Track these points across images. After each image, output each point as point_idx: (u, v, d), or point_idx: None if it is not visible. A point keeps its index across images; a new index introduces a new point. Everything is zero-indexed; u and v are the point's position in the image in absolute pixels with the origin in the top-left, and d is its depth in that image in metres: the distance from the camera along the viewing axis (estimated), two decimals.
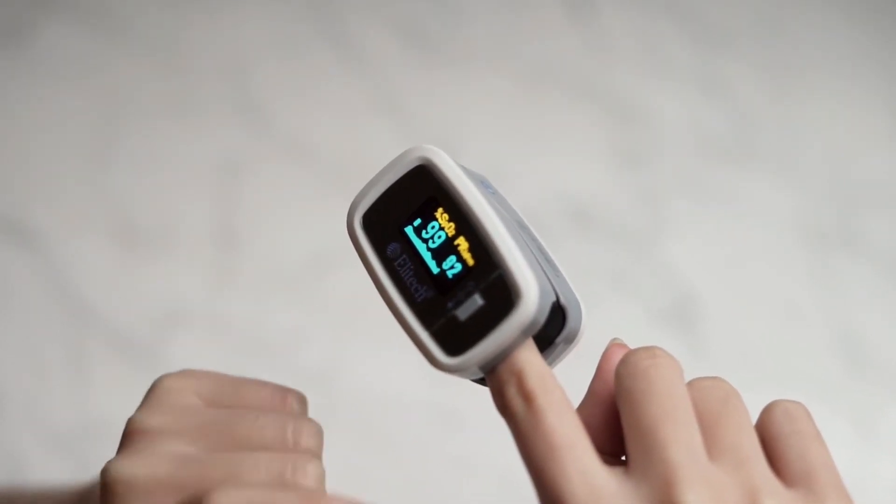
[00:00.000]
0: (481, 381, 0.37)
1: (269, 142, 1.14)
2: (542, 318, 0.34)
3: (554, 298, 0.35)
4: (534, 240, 0.39)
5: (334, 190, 1.09)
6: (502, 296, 0.34)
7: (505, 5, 1.24)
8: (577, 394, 0.36)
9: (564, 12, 1.24)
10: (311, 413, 1.05)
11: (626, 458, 0.33)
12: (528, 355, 0.34)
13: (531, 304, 0.33)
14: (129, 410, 1.01)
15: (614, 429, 0.35)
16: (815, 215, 1.14)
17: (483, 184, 0.39)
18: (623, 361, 0.34)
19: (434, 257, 0.36)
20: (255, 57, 1.19)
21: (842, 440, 1.01)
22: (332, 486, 1.03)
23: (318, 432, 0.43)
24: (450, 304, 0.35)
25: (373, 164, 0.39)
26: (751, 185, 1.16)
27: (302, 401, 0.46)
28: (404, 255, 0.36)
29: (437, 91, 1.19)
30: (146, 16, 1.19)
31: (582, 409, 0.36)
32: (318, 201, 1.09)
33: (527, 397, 0.32)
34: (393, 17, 1.22)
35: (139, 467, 0.39)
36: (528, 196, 1.12)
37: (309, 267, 1.08)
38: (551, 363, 0.37)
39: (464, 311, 0.34)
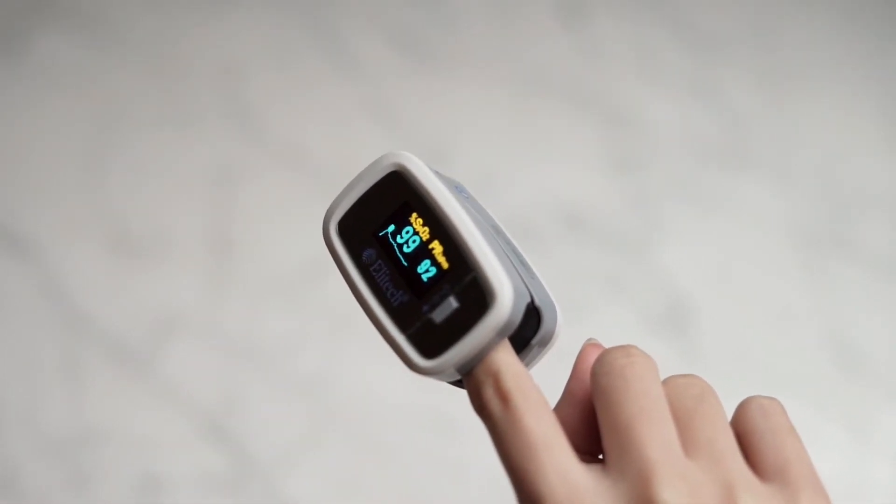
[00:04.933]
0: (458, 384, 0.37)
1: (264, 149, 1.15)
2: (517, 320, 0.34)
3: (529, 300, 0.35)
4: (508, 243, 0.39)
5: (328, 197, 1.09)
6: (477, 298, 0.34)
7: (498, 13, 1.25)
8: (554, 394, 0.36)
9: (557, 19, 1.24)
10: (306, 418, 1.06)
11: (603, 456, 0.33)
12: (504, 356, 0.34)
13: (506, 305, 0.33)
14: (124, 418, 1.02)
15: (591, 428, 0.35)
16: (807, 219, 1.15)
17: (457, 189, 0.39)
18: (599, 360, 0.34)
19: (409, 262, 0.36)
20: (250, 65, 1.19)
21: (835, 443, 1.01)
22: (328, 489, 1.03)
23: None
24: (425, 308, 0.35)
25: None
26: (744, 189, 1.16)
27: None
28: (380, 261, 0.37)
29: (431, 98, 1.19)
30: (141, 25, 1.20)
31: (559, 409, 0.36)
32: (312, 208, 1.09)
33: (503, 398, 0.33)
34: (387, 24, 1.22)
35: None
36: (522, 201, 1.12)
37: (304, 273, 1.08)
38: (528, 365, 0.37)
39: (439, 314, 0.35)
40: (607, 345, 0.37)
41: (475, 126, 1.18)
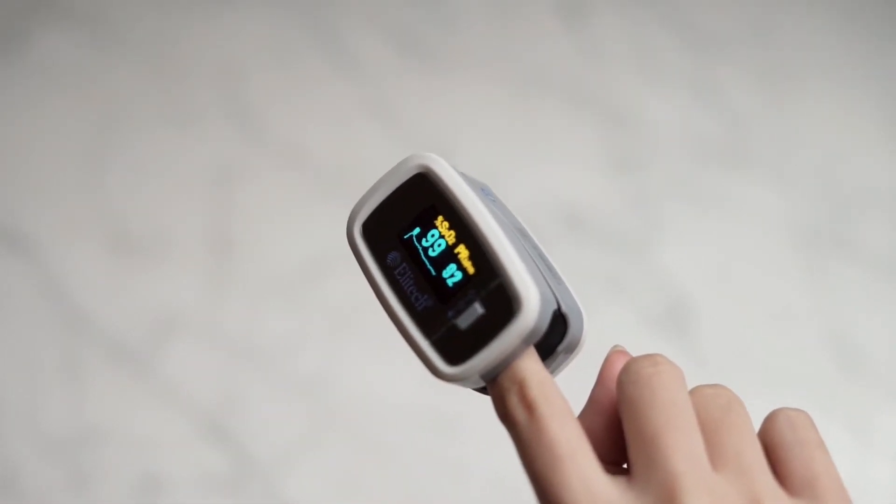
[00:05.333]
0: (482, 390, 0.37)
1: (264, 149, 1.14)
2: (544, 327, 0.34)
3: (555, 307, 0.35)
4: (535, 248, 0.39)
5: (329, 196, 1.09)
6: (503, 304, 0.34)
7: (498, 12, 1.24)
8: (578, 402, 0.36)
9: (557, 19, 1.24)
10: (306, 419, 1.05)
11: (628, 466, 0.33)
12: (530, 364, 0.34)
13: (532, 312, 0.33)
14: (124, 418, 1.02)
15: (616, 437, 0.34)
16: (807, 218, 1.15)
17: (483, 191, 0.39)
18: (625, 369, 0.34)
19: (434, 266, 0.35)
20: (250, 64, 1.19)
21: (836, 443, 1.01)
22: (328, 490, 1.03)
23: None
24: (450, 313, 0.35)
25: (367, 171, 0.39)
26: (744, 188, 1.16)
27: None
28: (404, 264, 0.36)
29: (432, 97, 1.19)
30: (141, 24, 1.19)
31: (583, 418, 0.36)
32: (312, 208, 1.09)
33: (528, 406, 0.32)
34: (387, 24, 1.22)
35: None
36: (523, 201, 1.12)
37: (304, 273, 1.07)
38: (553, 372, 0.36)
39: (464, 320, 0.34)
40: (627, 351, 0.37)
41: (475, 126, 1.18)
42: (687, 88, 1.22)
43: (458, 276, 0.35)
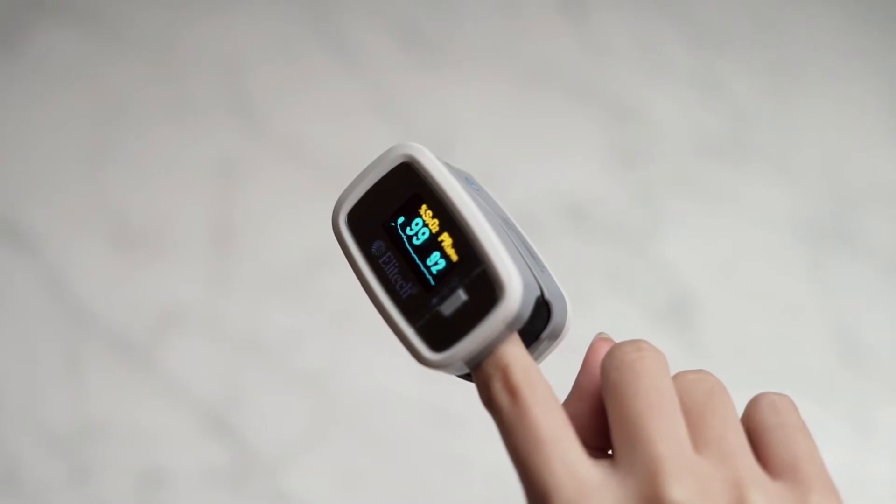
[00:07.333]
0: (467, 377, 0.37)
1: (266, 143, 1.14)
2: (527, 313, 0.34)
3: (538, 293, 0.35)
4: (519, 236, 0.39)
5: (330, 191, 1.09)
6: (486, 291, 0.34)
7: (500, 6, 1.24)
8: (564, 389, 0.36)
9: (559, 13, 1.24)
10: (309, 413, 1.05)
11: (612, 451, 0.33)
12: (513, 350, 0.34)
13: (515, 298, 0.33)
14: (126, 412, 1.02)
15: (600, 423, 0.35)
16: (811, 214, 1.14)
17: (467, 181, 0.39)
18: (609, 355, 0.34)
19: (418, 254, 0.36)
20: (251, 58, 1.19)
21: (838, 438, 1.01)
22: (332, 484, 1.03)
23: None
24: (434, 300, 0.35)
25: None
26: (747, 183, 1.16)
27: None
28: (389, 253, 0.36)
29: (434, 91, 1.19)
30: (141, 18, 1.19)
31: (568, 404, 0.36)
32: (314, 202, 1.09)
33: (512, 391, 0.33)
34: (389, 18, 1.22)
35: None
36: (526, 195, 1.12)
37: (306, 267, 1.08)
38: (537, 358, 0.37)
39: (448, 307, 0.35)
40: (615, 339, 0.37)
41: (478, 120, 1.18)
42: (691, 84, 1.21)
43: (442, 263, 0.35)
